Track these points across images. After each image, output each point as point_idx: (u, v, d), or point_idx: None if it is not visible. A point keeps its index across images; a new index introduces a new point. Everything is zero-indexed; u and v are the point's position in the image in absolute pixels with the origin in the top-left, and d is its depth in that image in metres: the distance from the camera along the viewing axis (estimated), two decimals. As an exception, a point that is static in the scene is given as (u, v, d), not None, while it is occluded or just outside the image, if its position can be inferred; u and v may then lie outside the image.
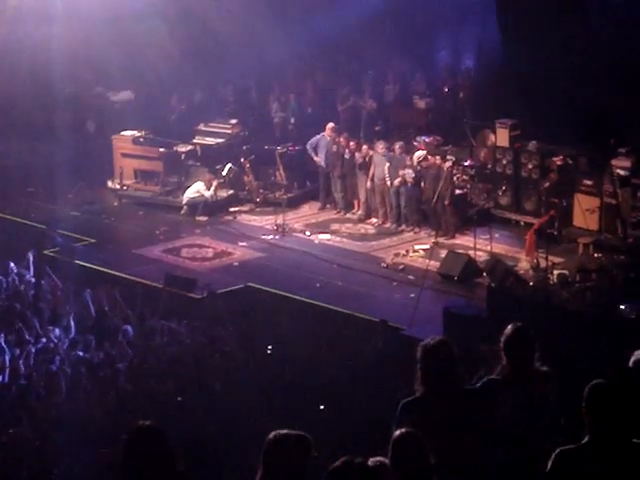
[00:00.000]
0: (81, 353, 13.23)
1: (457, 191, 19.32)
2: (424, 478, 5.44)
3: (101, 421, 11.21)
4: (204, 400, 11.70)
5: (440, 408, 6.15)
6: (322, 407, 11.35)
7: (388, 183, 19.53)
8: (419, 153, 19.30)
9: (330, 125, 20.77)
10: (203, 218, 20.44)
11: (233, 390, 11.87)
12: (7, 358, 12.82)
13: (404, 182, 19.36)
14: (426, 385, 6.22)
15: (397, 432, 5.52)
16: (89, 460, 10.03)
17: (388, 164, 19.54)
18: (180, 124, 23.32)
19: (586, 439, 5.74)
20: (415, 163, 19.14)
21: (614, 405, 5.67)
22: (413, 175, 19.21)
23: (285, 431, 5.32)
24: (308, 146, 20.90)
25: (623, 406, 5.71)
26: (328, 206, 20.83)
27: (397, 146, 19.80)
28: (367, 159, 19.94)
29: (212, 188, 20.66)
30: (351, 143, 20.40)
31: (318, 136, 20.81)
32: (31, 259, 16.48)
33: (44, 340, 13.58)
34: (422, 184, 19.19)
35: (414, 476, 5.44)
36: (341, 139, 20.52)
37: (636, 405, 6.15)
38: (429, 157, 19.19)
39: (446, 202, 18.69)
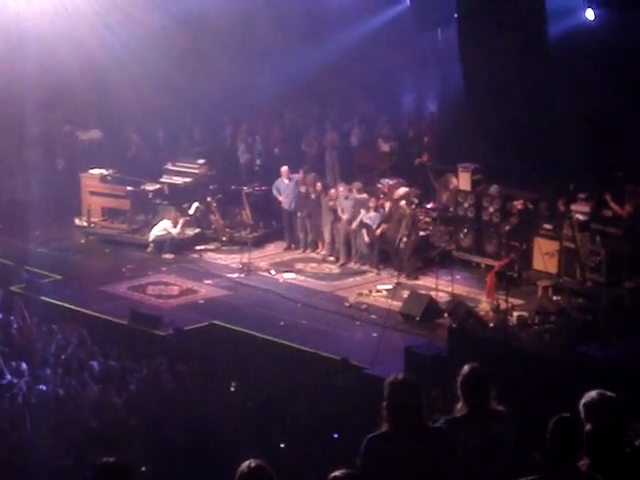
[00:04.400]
0: (45, 388, 13.27)
1: (420, 233, 19.58)
2: None
3: (65, 456, 11.24)
4: (167, 434, 11.77)
5: (405, 444, 6.15)
6: (282, 445, 11.40)
7: (353, 225, 19.82)
8: (403, 189, 19.48)
9: (284, 168, 21.00)
10: (169, 256, 20.57)
11: (197, 425, 11.94)
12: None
13: (363, 224, 19.65)
14: (391, 421, 6.21)
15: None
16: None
17: (352, 204, 19.82)
18: (147, 163, 23.47)
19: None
20: (400, 198, 19.22)
21: (574, 438, 5.81)
22: (380, 218, 19.48)
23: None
24: (274, 190, 21.13)
25: (580, 440, 5.86)
26: (293, 246, 21.03)
27: (355, 187, 20.14)
28: (335, 201, 20.19)
29: (179, 225, 20.83)
30: (318, 184, 20.65)
31: (277, 181, 21.06)
32: (-3, 295, 16.56)
33: (8, 376, 13.61)
34: (384, 226, 19.47)
35: None
36: (307, 179, 20.77)
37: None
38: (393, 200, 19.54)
39: (403, 244, 18.91)
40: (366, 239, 19.65)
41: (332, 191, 20.40)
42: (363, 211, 19.71)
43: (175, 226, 20.80)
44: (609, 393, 6.54)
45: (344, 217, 19.93)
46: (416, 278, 19.01)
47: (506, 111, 19.09)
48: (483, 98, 19.69)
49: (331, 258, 20.21)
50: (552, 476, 5.83)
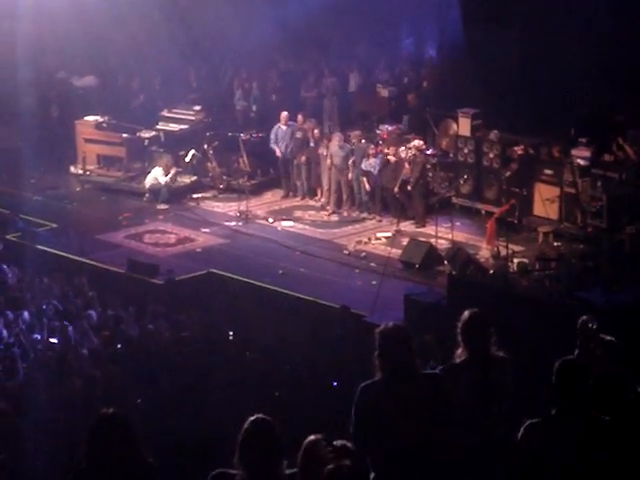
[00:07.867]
0: (40, 337, 13.20)
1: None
2: None
3: (64, 407, 11.18)
4: (163, 384, 11.72)
5: (399, 391, 6.17)
6: (277, 394, 11.36)
7: (350, 174, 19.62)
8: (417, 142, 19.21)
9: (284, 114, 20.78)
10: (163, 206, 20.36)
11: (193, 376, 11.89)
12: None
13: (363, 171, 19.47)
14: (384, 370, 6.24)
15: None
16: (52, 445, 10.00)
17: (344, 154, 19.56)
18: (143, 109, 23.23)
19: (554, 411, 5.89)
20: (414, 151, 18.96)
21: (581, 380, 5.86)
22: (379, 164, 19.29)
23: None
24: (272, 136, 20.85)
25: (588, 382, 5.90)
26: (291, 194, 20.88)
27: (355, 135, 19.87)
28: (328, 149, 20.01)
29: (169, 175, 20.59)
30: (315, 131, 20.44)
31: (275, 127, 20.83)
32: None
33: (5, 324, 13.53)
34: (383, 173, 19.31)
35: None
36: (306, 126, 20.55)
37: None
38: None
39: (409, 187, 18.80)
40: (367, 187, 19.46)
41: (325, 139, 20.17)
42: (365, 161, 19.47)
43: (166, 175, 20.57)
44: (609, 337, 6.50)
45: (334, 165, 19.70)
46: (424, 225, 18.80)
47: (505, 56, 18.91)
48: (483, 42, 19.49)
49: (329, 208, 20.03)
50: (563, 417, 5.85)
